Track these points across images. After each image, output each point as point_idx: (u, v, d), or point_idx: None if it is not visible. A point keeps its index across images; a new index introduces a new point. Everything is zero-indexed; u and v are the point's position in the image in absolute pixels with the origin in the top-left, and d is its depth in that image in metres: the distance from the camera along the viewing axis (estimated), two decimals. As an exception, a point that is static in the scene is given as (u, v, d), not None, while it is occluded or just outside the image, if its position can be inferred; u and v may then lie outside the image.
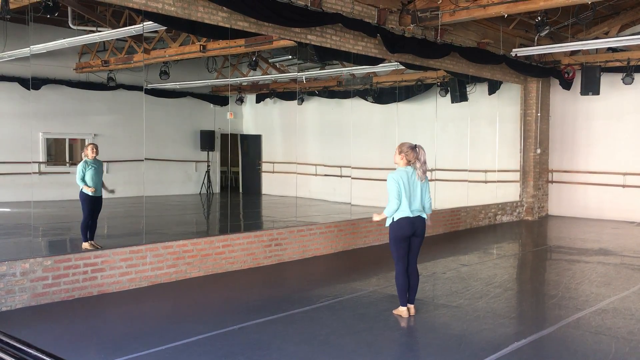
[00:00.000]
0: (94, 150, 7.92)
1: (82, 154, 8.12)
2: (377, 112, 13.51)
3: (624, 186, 13.70)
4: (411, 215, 5.59)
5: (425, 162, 5.58)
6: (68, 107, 11.45)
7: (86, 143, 11.08)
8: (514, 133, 14.29)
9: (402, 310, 5.80)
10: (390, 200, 5.59)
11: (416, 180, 5.59)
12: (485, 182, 13.90)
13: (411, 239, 5.70)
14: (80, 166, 7.85)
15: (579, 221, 13.78)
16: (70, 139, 11.75)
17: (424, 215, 5.69)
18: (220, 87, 14.23)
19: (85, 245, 7.68)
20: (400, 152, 5.61)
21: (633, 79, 12.86)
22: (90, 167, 7.86)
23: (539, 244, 11.27)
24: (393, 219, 5.64)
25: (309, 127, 14.62)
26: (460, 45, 11.34)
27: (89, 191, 7.82)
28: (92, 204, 7.90)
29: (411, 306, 5.83)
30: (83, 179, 7.83)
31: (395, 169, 5.72)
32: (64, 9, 8.61)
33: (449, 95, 12.74)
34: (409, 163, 5.59)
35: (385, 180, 5.69)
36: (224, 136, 14.85)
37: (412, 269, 5.79)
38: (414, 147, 5.57)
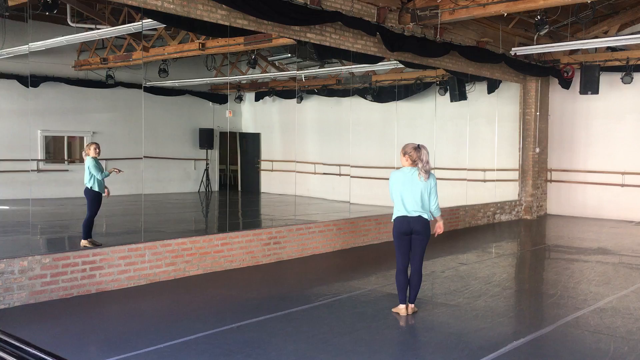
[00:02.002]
0: (97, 149, 7.94)
1: (84, 152, 8.11)
2: (376, 110, 13.51)
3: (622, 185, 13.71)
4: (407, 215, 5.64)
5: (427, 162, 5.59)
6: (67, 105, 11.44)
7: (87, 142, 11.11)
8: (513, 132, 14.30)
9: (400, 308, 5.81)
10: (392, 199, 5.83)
11: (417, 181, 5.58)
12: (484, 181, 13.91)
13: (412, 237, 5.71)
14: (93, 162, 7.83)
15: (577, 220, 13.79)
16: (68, 137, 11.74)
17: (425, 216, 5.66)
18: (219, 85, 14.22)
19: (85, 242, 7.68)
20: (404, 154, 5.65)
21: (632, 78, 12.86)
22: (99, 163, 7.90)
23: (537, 243, 11.27)
24: (392, 218, 5.80)
25: (308, 125, 14.62)
26: (459, 44, 11.33)
27: (115, 172, 7.89)
28: (100, 202, 7.94)
29: (410, 305, 5.83)
30: (102, 172, 7.86)
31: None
32: (63, 6, 8.60)
33: (448, 94, 12.73)
34: (414, 163, 5.61)
35: (385, 178, 5.79)
36: (222, 134, 14.86)
37: (415, 269, 5.80)
38: (417, 148, 5.60)
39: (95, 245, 7.52)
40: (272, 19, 8.10)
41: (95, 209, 7.90)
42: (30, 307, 5.93)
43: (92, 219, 7.88)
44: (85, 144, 8.45)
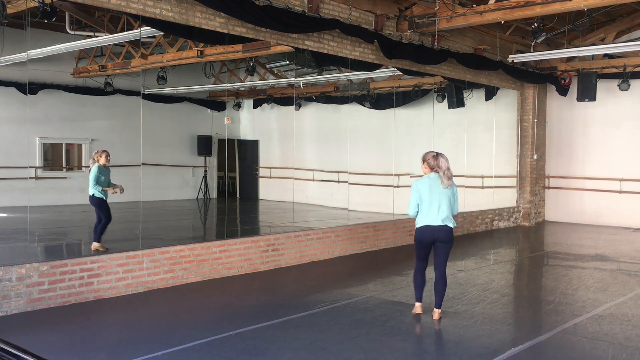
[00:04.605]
0: (108, 157, 8.05)
1: (93, 159, 8.15)
2: (374, 117, 13.54)
3: (620, 192, 13.73)
4: (431, 224, 5.70)
5: (448, 169, 5.68)
6: (65, 112, 11.45)
7: (85, 149, 11.11)
8: (511, 139, 14.32)
9: (416, 306, 6.00)
10: (408, 206, 5.86)
11: (441, 187, 5.66)
12: (482, 187, 13.92)
13: (436, 244, 5.80)
14: (95, 170, 7.90)
15: (575, 227, 13.79)
16: (67, 144, 11.75)
17: (450, 225, 5.73)
18: (217, 92, 14.25)
19: (96, 245, 7.76)
20: (423, 162, 5.76)
21: (629, 85, 12.90)
22: (103, 172, 7.96)
23: (535, 249, 11.28)
24: (416, 226, 5.89)
25: (306, 132, 14.64)
26: (457, 51, 11.37)
27: (111, 191, 8.03)
28: (105, 207, 8.00)
29: (437, 310, 5.91)
30: (98, 182, 7.91)
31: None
32: (62, 14, 8.61)
33: (446, 101, 12.76)
34: (432, 170, 5.71)
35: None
36: (221, 141, 14.87)
37: (439, 275, 5.89)
38: (435, 156, 5.71)
39: (104, 248, 7.61)
40: (270, 27, 8.13)
41: (103, 213, 8.01)
42: (28, 314, 5.92)
43: (107, 224, 7.97)
44: (92, 151, 8.49)
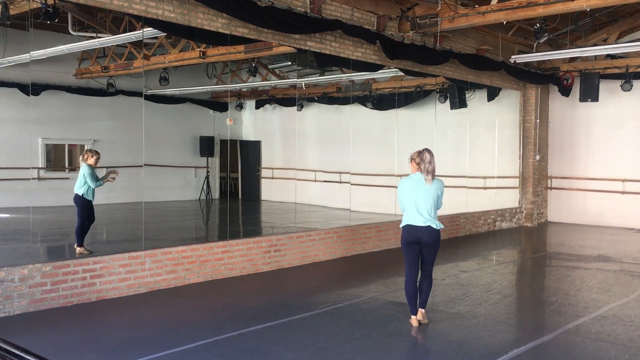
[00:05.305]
0: (98, 160, 7.92)
1: (81, 157, 8.08)
2: (376, 118, 13.53)
3: (623, 192, 13.70)
4: (414, 224, 5.54)
5: (429, 162, 5.47)
6: (68, 113, 11.47)
7: (87, 148, 11.12)
8: (513, 139, 14.31)
9: (411, 319, 5.74)
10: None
11: (426, 185, 5.50)
12: (485, 188, 13.90)
13: (422, 248, 5.63)
14: (89, 169, 7.79)
15: (578, 227, 13.77)
16: (69, 145, 11.77)
17: (435, 226, 5.53)
18: (219, 93, 14.25)
19: (80, 250, 7.68)
20: (410, 160, 5.62)
21: (632, 85, 12.88)
22: (94, 171, 7.87)
23: (538, 250, 11.26)
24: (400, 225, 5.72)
25: (308, 133, 14.63)
26: (459, 51, 11.36)
27: (112, 176, 7.93)
28: (91, 209, 7.91)
29: (421, 310, 5.75)
30: (95, 179, 7.82)
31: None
32: (64, 15, 8.64)
33: (448, 101, 12.76)
34: (418, 166, 5.55)
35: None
36: (223, 142, 14.87)
37: (425, 274, 5.73)
38: (420, 151, 5.55)
39: (88, 251, 7.56)
40: (272, 28, 8.13)
41: (85, 215, 7.85)
42: (31, 315, 5.93)
43: (84, 225, 7.86)
44: (85, 150, 8.41)
